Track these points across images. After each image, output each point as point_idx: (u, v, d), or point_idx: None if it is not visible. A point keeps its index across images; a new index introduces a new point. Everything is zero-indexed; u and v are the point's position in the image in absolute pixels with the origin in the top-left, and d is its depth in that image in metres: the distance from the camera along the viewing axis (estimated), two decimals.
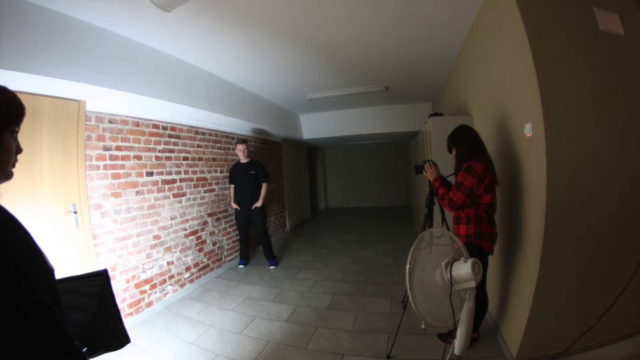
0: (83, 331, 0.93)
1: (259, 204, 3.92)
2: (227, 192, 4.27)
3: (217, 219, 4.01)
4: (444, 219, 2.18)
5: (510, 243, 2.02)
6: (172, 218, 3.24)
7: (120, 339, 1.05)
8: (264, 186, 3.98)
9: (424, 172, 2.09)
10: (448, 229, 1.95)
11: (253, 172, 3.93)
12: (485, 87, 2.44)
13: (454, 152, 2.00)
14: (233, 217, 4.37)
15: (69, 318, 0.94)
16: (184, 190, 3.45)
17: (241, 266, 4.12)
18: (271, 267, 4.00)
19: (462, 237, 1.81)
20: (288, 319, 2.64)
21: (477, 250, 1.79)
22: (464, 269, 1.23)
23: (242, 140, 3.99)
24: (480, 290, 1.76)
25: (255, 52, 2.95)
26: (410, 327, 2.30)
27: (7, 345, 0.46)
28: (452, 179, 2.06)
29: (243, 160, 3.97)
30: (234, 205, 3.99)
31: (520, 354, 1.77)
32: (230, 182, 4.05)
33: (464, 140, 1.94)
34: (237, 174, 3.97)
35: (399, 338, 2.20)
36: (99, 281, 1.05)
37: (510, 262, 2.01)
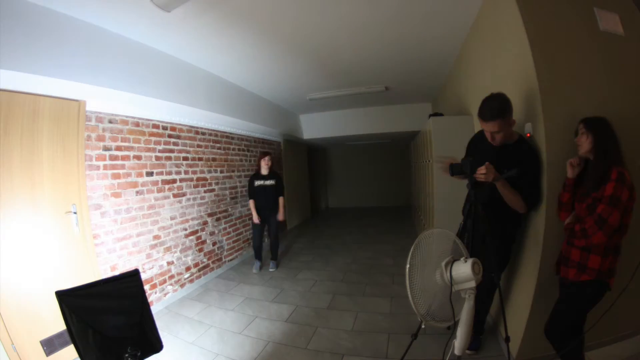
0: (135, 335, 0.91)
1: (281, 217, 3.99)
2: (227, 192, 4.27)
3: (217, 219, 4.01)
4: (484, 241, 1.55)
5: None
6: (172, 218, 3.23)
7: (158, 340, 1.02)
8: (282, 199, 4.02)
9: (475, 175, 1.54)
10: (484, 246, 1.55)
11: (273, 182, 3.93)
12: (486, 87, 2.44)
13: (588, 140, 1.37)
14: (233, 217, 4.37)
15: (115, 323, 0.91)
16: (184, 190, 3.45)
17: (255, 271, 3.93)
18: (271, 270, 3.97)
19: (591, 271, 1.34)
20: (288, 319, 2.64)
21: (601, 290, 1.37)
22: (464, 269, 1.23)
23: (266, 152, 3.98)
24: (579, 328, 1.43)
25: (255, 52, 2.95)
26: (410, 327, 2.30)
27: None
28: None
29: (265, 172, 3.94)
30: (256, 220, 3.86)
31: (520, 354, 1.77)
32: (251, 197, 3.92)
33: (612, 133, 1.35)
34: (258, 187, 3.89)
35: (398, 338, 2.20)
36: (134, 282, 1.03)
37: (510, 261, 2.01)
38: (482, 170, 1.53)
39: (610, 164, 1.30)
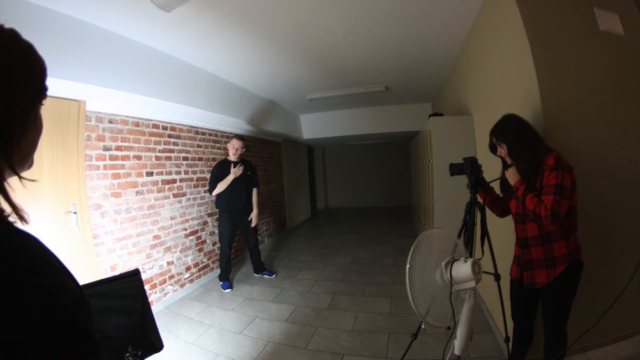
0: (136, 335, 0.90)
1: (255, 215, 3.44)
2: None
3: (217, 219, 4.01)
4: (485, 234, 1.63)
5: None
6: (172, 218, 3.23)
7: (159, 339, 1.02)
8: (256, 192, 3.49)
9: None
10: (491, 248, 1.60)
11: (249, 173, 3.42)
12: (486, 87, 2.44)
13: (504, 151, 1.45)
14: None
15: (116, 323, 0.91)
16: (184, 190, 3.45)
17: (228, 290, 3.30)
18: (272, 276, 3.64)
19: (561, 259, 1.34)
20: (288, 319, 2.64)
21: (580, 268, 1.36)
22: (464, 269, 1.23)
23: (240, 136, 3.42)
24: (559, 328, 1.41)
25: (256, 52, 2.95)
26: (410, 327, 2.30)
27: None
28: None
29: (233, 158, 3.35)
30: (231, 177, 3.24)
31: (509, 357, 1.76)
32: (213, 190, 3.30)
33: (524, 131, 1.40)
34: (227, 175, 3.27)
35: (398, 338, 2.20)
36: (135, 281, 1.03)
37: (510, 261, 2.01)
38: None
39: (538, 161, 1.32)
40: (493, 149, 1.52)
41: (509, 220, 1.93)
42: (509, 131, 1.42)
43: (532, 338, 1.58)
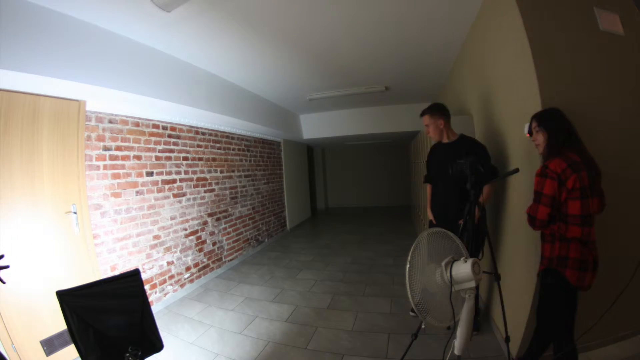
0: (136, 335, 0.91)
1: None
2: (227, 192, 4.27)
3: (217, 219, 4.01)
4: (485, 234, 1.73)
5: (509, 242, 2.02)
6: (172, 218, 3.23)
7: (159, 339, 1.03)
8: (487, 188, 1.95)
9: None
10: (492, 252, 1.68)
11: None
12: (486, 87, 2.44)
13: (541, 137, 1.42)
14: (233, 217, 4.36)
15: (115, 322, 0.92)
16: (184, 190, 3.45)
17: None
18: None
19: (543, 259, 1.43)
20: (288, 319, 2.64)
21: (558, 280, 1.35)
22: (463, 269, 1.23)
23: (440, 107, 2.22)
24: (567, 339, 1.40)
25: (256, 52, 2.95)
26: (410, 327, 2.30)
27: None
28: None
29: (446, 139, 2.22)
30: (430, 216, 2.37)
31: (520, 353, 1.77)
32: (428, 180, 2.42)
33: (563, 127, 1.38)
34: (439, 164, 2.22)
35: (398, 338, 2.20)
36: (135, 282, 1.03)
37: (510, 261, 2.01)
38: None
39: (551, 157, 1.37)
40: (531, 132, 1.51)
41: (511, 221, 1.93)
42: (556, 122, 1.40)
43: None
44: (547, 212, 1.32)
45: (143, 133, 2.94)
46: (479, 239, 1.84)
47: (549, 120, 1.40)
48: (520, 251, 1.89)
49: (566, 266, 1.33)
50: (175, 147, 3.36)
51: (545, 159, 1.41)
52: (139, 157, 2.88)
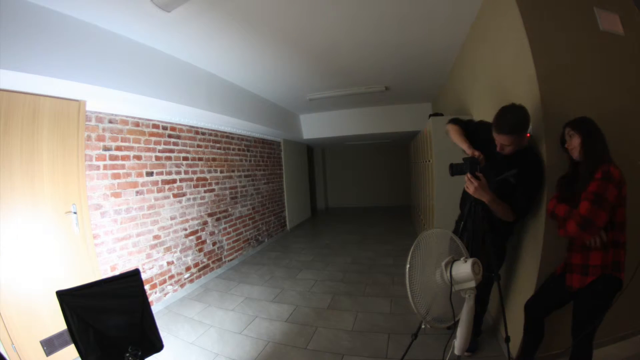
0: (136, 335, 0.91)
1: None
2: (227, 192, 4.27)
3: (217, 219, 4.01)
4: (484, 240, 1.62)
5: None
6: (172, 218, 3.23)
7: (159, 339, 1.03)
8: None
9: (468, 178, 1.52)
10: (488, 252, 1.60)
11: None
12: (486, 86, 2.44)
13: (576, 141, 1.37)
14: (233, 217, 4.36)
15: (115, 322, 0.92)
16: (184, 190, 3.45)
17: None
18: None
19: (594, 269, 1.34)
20: (288, 319, 2.64)
21: (612, 285, 1.34)
22: (464, 269, 1.23)
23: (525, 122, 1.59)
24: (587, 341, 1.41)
25: (256, 52, 2.95)
26: (410, 327, 2.30)
27: None
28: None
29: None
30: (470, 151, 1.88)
31: (520, 354, 1.76)
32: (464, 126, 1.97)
33: (598, 131, 1.35)
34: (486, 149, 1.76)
35: (398, 338, 2.20)
36: (135, 282, 1.03)
37: (510, 261, 2.01)
38: (472, 186, 1.53)
39: (597, 163, 1.30)
40: (563, 142, 1.46)
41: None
42: (588, 125, 1.37)
43: (543, 335, 1.60)
44: (607, 218, 1.25)
45: (143, 133, 2.94)
46: (502, 255, 1.82)
47: (582, 124, 1.38)
48: (521, 251, 1.89)
49: (621, 270, 1.34)
50: (175, 147, 3.36)
51: (588, 164, 1.34)
52: (139, 157, 2.88)
